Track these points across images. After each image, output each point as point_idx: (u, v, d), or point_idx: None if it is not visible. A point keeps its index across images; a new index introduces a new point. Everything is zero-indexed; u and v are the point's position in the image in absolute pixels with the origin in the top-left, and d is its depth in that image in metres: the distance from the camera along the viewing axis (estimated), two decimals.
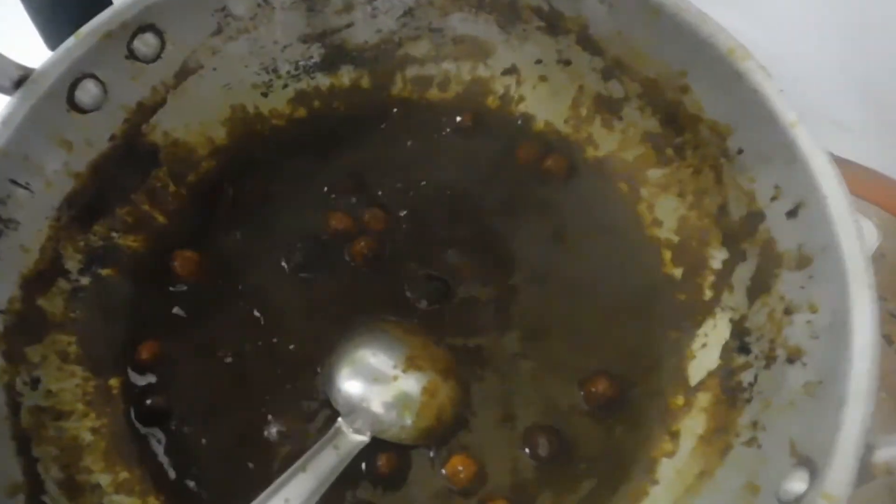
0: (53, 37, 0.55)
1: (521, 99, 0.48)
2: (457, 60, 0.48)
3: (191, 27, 0.42)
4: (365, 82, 0.48)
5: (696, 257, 0.42)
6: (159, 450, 0.40)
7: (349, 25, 0.46)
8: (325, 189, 0.46)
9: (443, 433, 0.39)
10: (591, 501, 0.39)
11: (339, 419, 0.38)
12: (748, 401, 0.37)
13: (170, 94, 0.43)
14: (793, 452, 0.32)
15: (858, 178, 0.47)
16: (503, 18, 0.45)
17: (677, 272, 0.43)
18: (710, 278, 0.41)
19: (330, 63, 0.48)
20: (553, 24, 0.44)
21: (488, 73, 0.48)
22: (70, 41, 0.38)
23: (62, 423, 0.38)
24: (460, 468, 0.38)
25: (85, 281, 0.41)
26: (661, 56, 0.40)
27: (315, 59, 0.47)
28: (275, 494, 0.35)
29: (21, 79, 0.36)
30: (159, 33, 0.40)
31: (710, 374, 0.39)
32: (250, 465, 0.39)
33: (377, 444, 0.38)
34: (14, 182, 0.37)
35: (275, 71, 0.47)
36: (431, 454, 0.39)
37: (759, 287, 0.38)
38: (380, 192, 0.46)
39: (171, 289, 0.43)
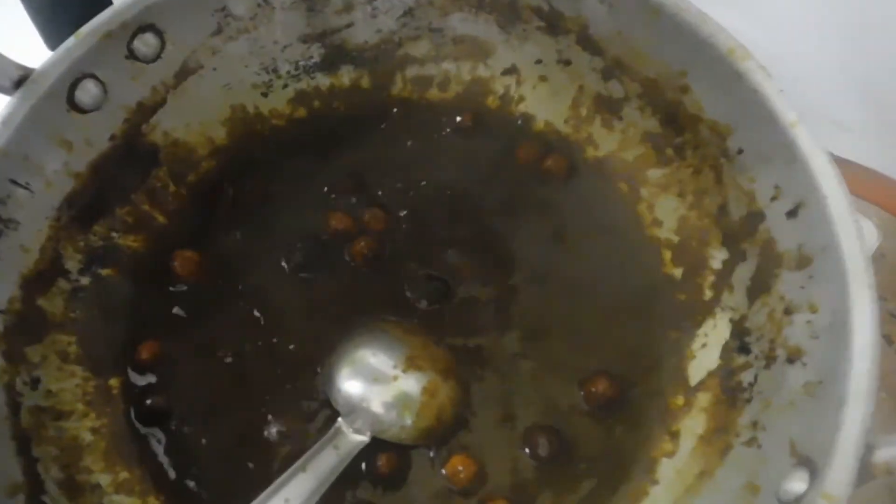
0: (53, 37, 0.55)
1: (521, 99, 0.48)
2: (457, 60, 0.48)
3: (191, 27, 0.42)
4: (365, 82, 0.48)
5: (696, 257, 0.42)
6: (159, 450, 0.40)
7: (349, 25, 0.46)
8: (325, 189, 0.46)
9: (443, 433, 0.39)
10: (591, 501, 0.39)
11: (339, 419, 0.38)
12: (748, 401, 0.37)
13: (170, 94, 0.43)
14: (793, 452, 0.32)
15: (858, 178, 0.47)
16: (503, 18, 0.45)
17: (677, 272, 0.43)
18: (710, 278, 0.41)
19: (330, 63, 0.48)
20: (553, 24, 0.44)
21: (488, 73, 0.48)
22: (70, 41, 0.38)
23: (62, 423, 0.38)
24: (460, 468, 0.38)
25: (85, 281, 0.41)
26: (661, 56, 0.40)
27: (315, 59, 0.47)
28: (275, 494, 0.35)
29: (21, 79, 0.36)
30: (159, 33, 0.40)
31: (710, 374, 0.39)
32: (250, 465, 0.39)
33: (377, 444, 0.38)
34: (14, 182, 0.37)
35: (275, 71, 0.47)
36: (431, 454, 0.39)
37: (759, 287, 0.38)
38: (380, 192, 0.46)
39: (171, 289, 0.43)
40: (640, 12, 0.39)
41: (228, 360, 0.41)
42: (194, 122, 0.45)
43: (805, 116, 0.35)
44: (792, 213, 0.36)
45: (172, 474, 0.39)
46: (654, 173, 0.44)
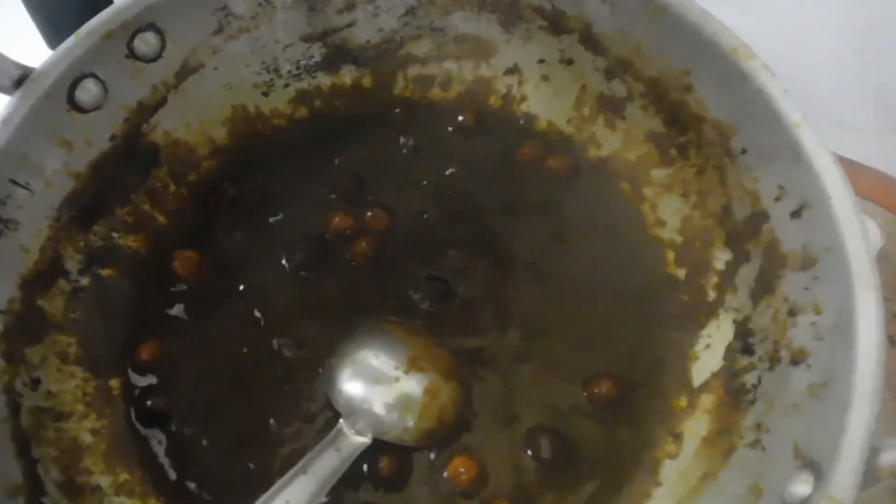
0: (54, 36, 0.55)
1: (524, 98, 0.48)
2: (459, 60, 0.48)
3: (191, 26, 0.42)
4: (366, 82, 0.48)
5: (700, 258, 0.42)
6: (160, 451, 0.39)
7: (351, 24, 0.46)
8: (327, 189, 0.46)
9: (444, 435, 0.39)
10: (594, 503, 0.38)
11: (341, 420, 0.38)
12: (752, 402, 0.36)
13: (170, 94, 0.43)
14: (797, 455, 0.32)
15: (862, 179, 0.47)
16: (505, 18, 0.45)
17: (680, 273, 0.43)
18: (714, 279, 0.41)
19: (331, 62, 0.47)
20: (555, 23, 0.44)
21: (490, 73, 0.48)
22: (70, 40, 0.37)
23: (62, 425, 0.38)
24: (462, 470, 0.38)
25: (85, 281, 0.41)
26: (665, 55, 0.40)
27: (316, 58, 0.47)
28: (276, 496, 0.35)
29: (21, 78, 0.36)
30: (160, 32, 0.40)
31: (714, 376, 0.39)
32: (251, 466, 0.39)
33: (379, 446, 0.38)
34: (14, 182, 0.37)
35: (276, 70, 0.46)
36: (432, 456, 0.39)
37: (762, 288, 0.38)
38: (381, 192, 0.46)
39: (171, 289, 0.43)
40: (643, 11, 0.39)
41: (229, 360, 0.41)
42: (195, 121, 0.45)
43: (809, 116, 0.34)
44: (796, 214, 0.35)
45: (173, 476, 0.39)
46: (658, 173, 0.44)
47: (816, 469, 0.30)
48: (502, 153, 0.47)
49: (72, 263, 0.40)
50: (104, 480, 0.38)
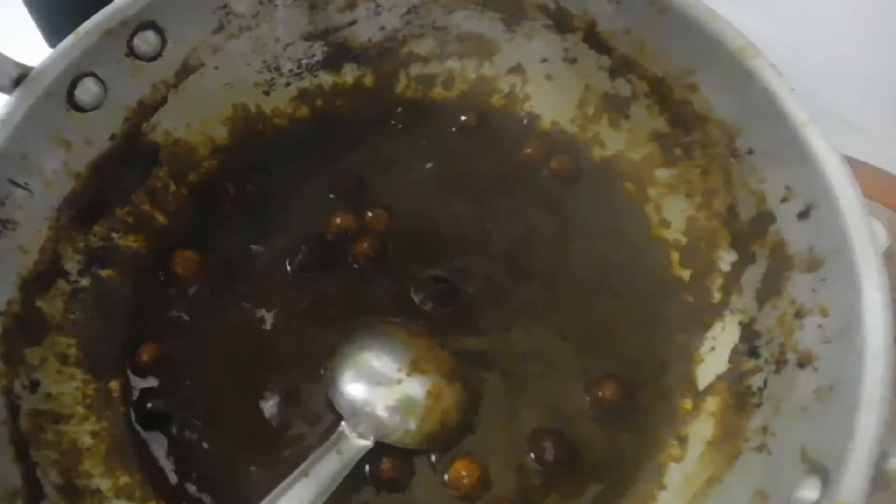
0: (54, 35, 0.54)
1: (527, 98, 0.47)
2: (461, 58, 0.47)
3: (192, 25, 0.41)
4: (368, 81, 0.48)
5: (705, 259, 0.41)
6: (160, 454, 0.39)
7: (352, 23, 0.46)
8: (328, 189, 0.46)
9: (447, 437, 0.39)
10: None
11: (343, 423, 0.38)
12: (758, 406, 0.36)
13: (171, 93, 0.42)
14: (804, 459, 0.31)
15: (868, 179, 0.46)
16: (508, 16, 0.45)
17: (685, 274, 0.42)
18: (719, 280, 0.41)
19: (333, 61, 0.47)
20: (559, 21, 0.43)
21: (493, 72, 0.48)
22: (69, 39, 0.37)
23: (61, 427, 0.38)
24: (464, 473, 0.37)
25: (85, 282, 0.41)
26: (670, 54, 0.40)
27: (318, 57, 0.47)
28: (277, 500, 0.34)
29: (20, 77, 0.36)
30: (160, 31, 0.40)
31: (719, 378, 0.39)
32: (252, 469, 0.38)
33: (381, 448, 0.38)
34: (13, 182, 0.36)
35: (277, 69, 0.46)
36: (433, 459, 0.38)
37: (768, 290, 0.37)
38: (383, 192, 0.46)
39: (171, 290, 0.43)
40: (648, 10, 0.39)
41: (230, 362, 0.41)
42: (195, 120, 0.45)
43: (815, 116, 0.34)
44: (803, 215, 0.35)
45: (173, 479, 0.39)
46: (662, 173, 0.44)
47: (824, 474, 0.30)
48: (505, 153, 0.47)
49: (71, 264, 0.40)
50: (104, 483, 0.38)
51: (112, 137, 0.41)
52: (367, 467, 0.38)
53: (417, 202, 0.45)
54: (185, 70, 0.42)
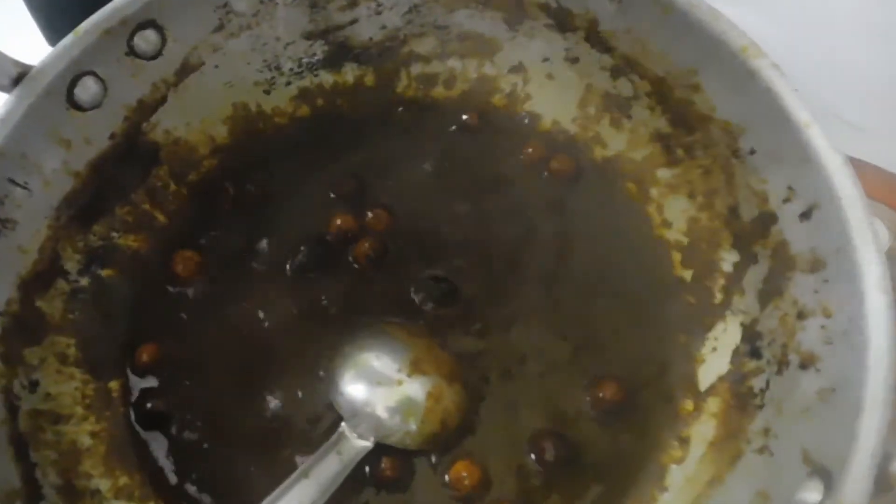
0: (55, 34, 0.54)
1: (528, 97, 0.47)
2: (463, 58, 0.47)
3: (192, 23, 0.41)
4: (369, 80, 0.48)
5: (707, 259, 0.41)
6: (160, 454, 0.39)
7: (353, 22, 0.45)
8: (328, 189, 0.45)
9: (447, 438, 0.38)
10: None
11: (343, 424, 0.38)
12: (760, 407, 0.36)
13: (171, 92, 0.42)
14: (806, 461, 0.31)
15: (870, 179, 0.46)
16: (510, 15, 0.45)
17: (687, 274, 0.42)
18: (721, 281, 0.40)
19: (334, 60, 0.47)
20: (561, 21, 0.43)
21: (494, 71, 0.47)
22: (69, 38, 0.37)
23: (61, 427, 0.38)
24: (464, 474, 0.37)
25: (84, 282, 0.41)
26: (672, 54, 0.40)
27: (318, 56, 0.46)
28: (277, 501, 0.34)
29: (19, 76, 0.36)
30: (160, 30, 0.40)
31: (721, 379, 0.39)
32: (252, 470, 0.38)
33: (381, 448, 0.38)
34: (12, 181, 0.36)
35: (277, 68, 0.46)
36: (434, 460, 0.38)
37: (771, 290, 0.37)
38: (383, 192, 0.45)
39: (171, 289, 0.43)
40: (651, 9, 0.39)
41: (230, 362, 0.41)
42: (195, 120, 0.44)
43: (818, 116, 0.34)
44: (805, 215, 0.35)
45: (173, 479, 0.38)
46: (664, 173, 0.44)
47: (826, 476, 0.30)
48: (507, 153, 0.47)
49: (71, 264, 0.40)
50: (103, 484, 0.38)
51: (112, 136, 0.40)
52: (367, 468, 0.38)
53: (418, 202, 0.45)
54: (186, 69, 0.42)
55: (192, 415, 0.40)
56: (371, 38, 0.46)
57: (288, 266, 0.43)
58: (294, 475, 0.35)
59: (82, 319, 0.40)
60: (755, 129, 0.37)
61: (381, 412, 0.38)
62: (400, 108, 0.48)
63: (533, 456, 0.39)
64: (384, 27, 0.46)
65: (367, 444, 0.37)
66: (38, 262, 0.38)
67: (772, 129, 0.36)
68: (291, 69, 0.46)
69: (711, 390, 0.39)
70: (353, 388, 0.38)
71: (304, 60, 0.46)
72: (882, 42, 0.55)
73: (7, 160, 0.36)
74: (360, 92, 0.48)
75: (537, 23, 0.44)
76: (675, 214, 0.43)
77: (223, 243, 0.44)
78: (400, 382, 0.38)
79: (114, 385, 0.40)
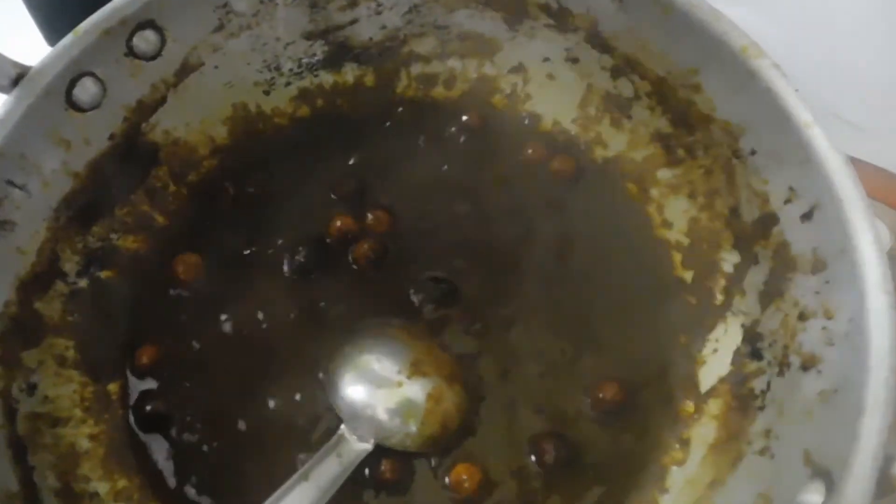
0: (54, 34, 0.54)
1: (528, 97, 0.47)
2: (463, 58, 0.47)
3: (191, 24, 0.41)
4: (369, 80, 0.48)
5: (707, 260, 0.41)
6: (159, 457, 0.39)
7: (353, 22, 0.45)
8: (328, 189, 0.45)
9: (448, 440, 0.38)
10: None
11: (342, 426, 0.38)
12: (761, 408, 0.36)
13: (170, 93, 0.42)
14: (808, 463, 0.31)
15: (872, 180, 0.46)
16: (510, 15, 0.44)
17: (687, 275, 0.42)
18: (722, 282, 0.40)
19: (334, 60, 0.47)
20: (561, 21, 0.43)
21: (495, 71, 0.47)
22: (68, 38, 0.37)
23: (59, 430, 0.38)
24: (465, 476, 0.37)
25: (83, 283, 0.41)
26: (672, 54, 0.40)
27: (318, 56, 0.46)
28: None
29: (18, 76, 0.36)
30: (159, 30, 0.40)
31: (722, 381, 0.39)
32: (252, 473, 0.38)
33: (381, 450, 0.38)
34: (11, 182, 0.36)
35: (277, 68, 0.46)
36: (433, 462, 0.38)
37: (772, 291, 0.37)
38: (383, 193, 0.45)
39: (171, 291, 0.43)
40: (651, 9, 0.39)
41: (229, 364, 0.41)
42: (195, 120, 0.44)
43: (819, 116, 0.34)
44: (807, 216, 0.35)
45: (172, 482, 0.38)
46: (664, 174, 0.43)
47: (828, 478, 0.29)
48: (507, 153, 0.46)
49: (70, 265, 0.40)
50: (102, 487, 0.38)
51: (111, 137, 0.40)
52: (367, 470, 0.38)
53: (418, 202, 0.45)
54: (185, 69, 0.42)
55: (191, 417, 0.39)
56: (371, 38, 0.46)
57: (288, 267, 0.43)
58: (294, 477, 0.35)
59: (81, 321, 0.40)
60: (756, 130, 0.37)
61: (381, 414, 0.38)
62: (400, 108, 0.48)
63: (533, 457, 0.39)
64: (384, 27, 0.46)
65: (367, 446, 0.37)
66: (36, 264, 0.38)
67: (773, 130, 0.36)
68: (291, 69, 0.46)
69: (712, 391, 0.39)
70: (353, 390, 0.38)
71: (304, 60, 0.46)
72: (882, 42, 0.55)
73: (6, 161, 0.36)
74: (360, 92, 0.48)
75: (537, 23, 0.44)
76: (676, 215, 0.43)
77: (223, 244, 0.44)
78: (400, 384, 0.38)
79: (113, 387, 0.40)
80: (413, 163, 0.46)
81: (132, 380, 0.40)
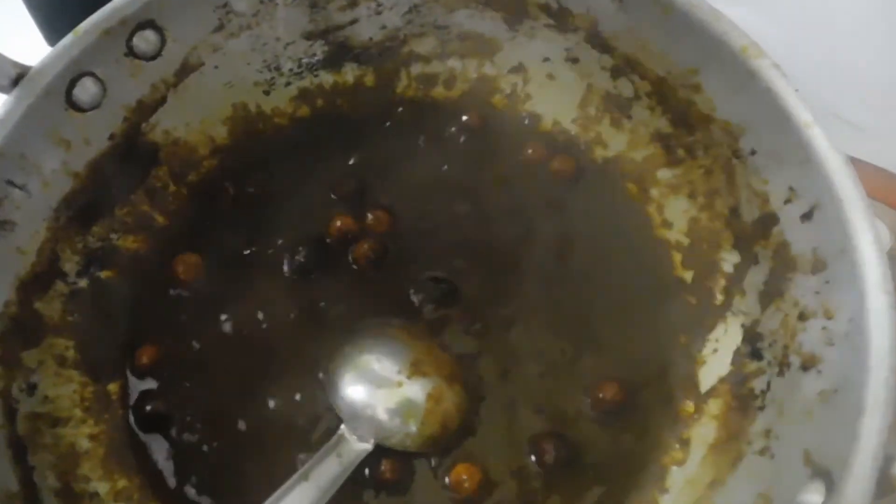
0: (53, 34, 0.54)
1: (528, 97, 0.47)
2: (463, 58, 0.47)
3: (191, 24, 0.41)
4: (369, 80, 0.48)
5: (707, 260, 0.41)
6: (159, 457, 0.39)
7: (353, 22, 0.45)
8: (328, 189, 0.45)
9: (448, 440, 0.38)
10: None
11: (342, 426, 0.38)
12: (761, 409, 0.36)
13: (170, 93, 0.42)
14: (808, 463, 0.31)
15: (872, 180, 0.46)
16: (510, 15, 0.44)
17: (687, 275, 0.42)
18: (722, 282, 0.40)
19: (334, 60, 0.47)
20: (561, 21, 0.43)
21: (495, 71, 0.47)
22: (68, 38, 0.37)
23: (59, 430, 0.38)
24: (465, 477, 0.37)
25: (83, 283, 0.40)
26: (672, 54, 0.40)
27: (318, 56, 0.46)
28: None
29: (18, 76, 0.36)
30: (159, 30, 0.40)
31: (722, 381, 0.39)
32: (252, 473, 0.38)
33: (381, 450, 0.38)
34: (11, 183, 0.36)
35: (277, 68, 0.46)
36: (433, 462, 0.38)
37: (772, 291, 0.37)
38: (383, 193, 0.45)
39: (171, 291, 0.43)
40: (651, 9, 0.39)
41: (229, 364, 0.41)
42: (195, 120, 0.44)
43: (819, 116, 0.34)
44: (807, 216, 0.35)
45: (172, 482, 0.38)
46: (664, 174, 0.43)
47: (828, 478, 0.29)
48: (506, 153, 0.46)
49: (70, 265, 0.40)
50: (102, 487, 0.38)
51: (111, 137, 0.40)
52: (367, 470, 0.38)
53: (418, 202, 0.45)
54: (185, 69, 0.42)
55: (191, 417, 0.39)
56: (371, 38, 0.46)
57: (288, 267, 0.43)
58: (294, 477, 0.35)
59: (81, 321, 0.40)
60: (756, 130, 0.37)
61: (381, 414, 0.37)
62: (400, 108, 0.48)
63: (533, 457, 0.39)
64: (384, 27, 0.46)
65: (367, 446, 0.37)
66: (36, 264, 0.38)
67: (773, 130, 0.36)
68: (291, 69, 0.46)
69: (712, 391, 0.39)
70: (353, 390, 0.38)
71: (304, 60, 0.46)
72: (882, 42, 0.55)
73: (6, 161, 0.36)
74: (360, 92, 0.48)
75: (537, 23, 0.44)
76: (676, 215, 0.43)
77: (223, 244, 0.44)
78: (400, 384, 0.38)
79: (113, 387, 0.40)
80: (413, 163, 0.46)
81: (132, 380, 0.40)
